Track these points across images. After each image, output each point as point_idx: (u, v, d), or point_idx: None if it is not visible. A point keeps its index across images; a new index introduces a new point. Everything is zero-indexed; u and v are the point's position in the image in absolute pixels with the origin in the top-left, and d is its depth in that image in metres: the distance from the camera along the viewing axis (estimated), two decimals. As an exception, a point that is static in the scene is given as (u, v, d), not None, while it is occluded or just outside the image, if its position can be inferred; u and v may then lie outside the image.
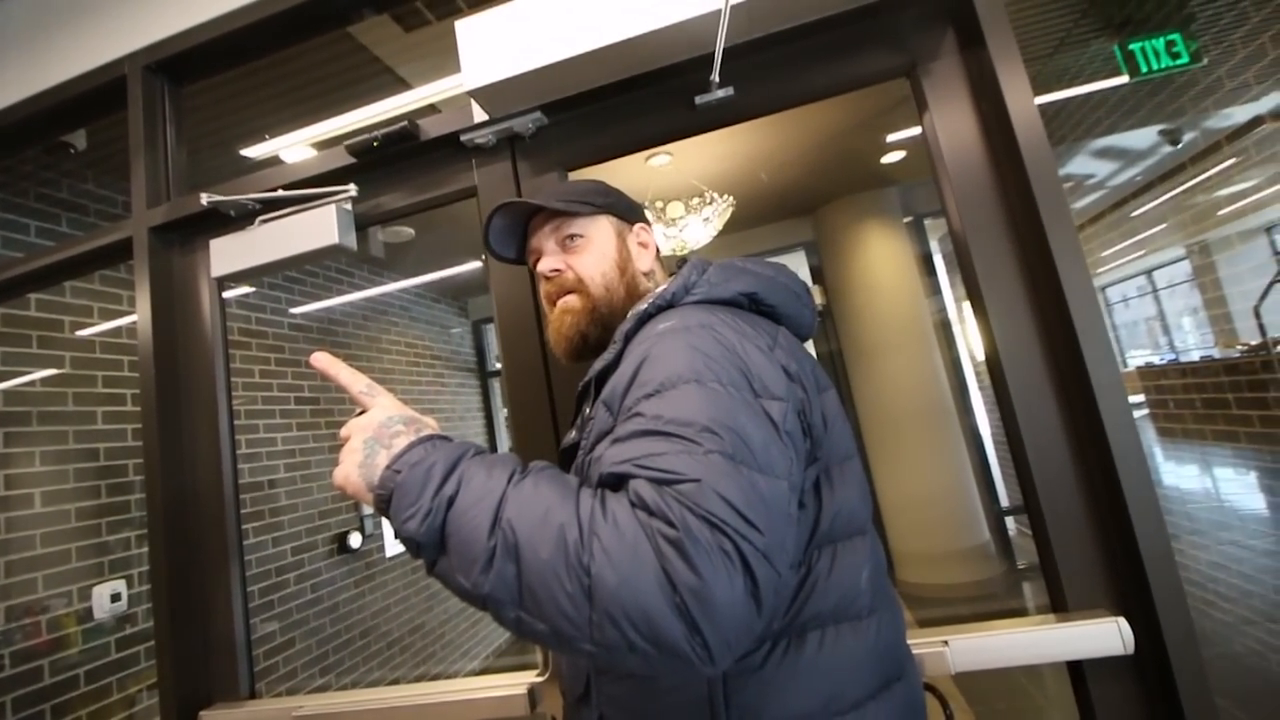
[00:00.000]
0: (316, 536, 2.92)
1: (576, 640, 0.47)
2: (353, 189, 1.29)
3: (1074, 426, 0.98)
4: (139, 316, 1.37)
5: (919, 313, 3.97)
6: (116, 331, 2.27)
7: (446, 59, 1.83)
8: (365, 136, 1.26)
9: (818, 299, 4.36)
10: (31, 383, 2.03)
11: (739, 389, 0.58)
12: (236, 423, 1.43)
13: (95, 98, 1.57)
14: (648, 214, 2.88)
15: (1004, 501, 4.03)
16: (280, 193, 1.32)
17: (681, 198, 2.86)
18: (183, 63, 1.51)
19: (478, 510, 0.51)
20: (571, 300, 0.81)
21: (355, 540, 3.07)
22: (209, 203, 1.30)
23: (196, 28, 1.46)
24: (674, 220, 2.83)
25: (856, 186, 3.91)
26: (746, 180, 3.37)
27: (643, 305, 0.72)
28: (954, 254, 1.11)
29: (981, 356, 4.68)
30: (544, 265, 0.83)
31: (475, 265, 4.11)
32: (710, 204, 2.83)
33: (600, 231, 0.84)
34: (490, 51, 1.09)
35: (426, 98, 2.01)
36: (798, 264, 4.71)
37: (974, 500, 3.83)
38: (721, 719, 0.58)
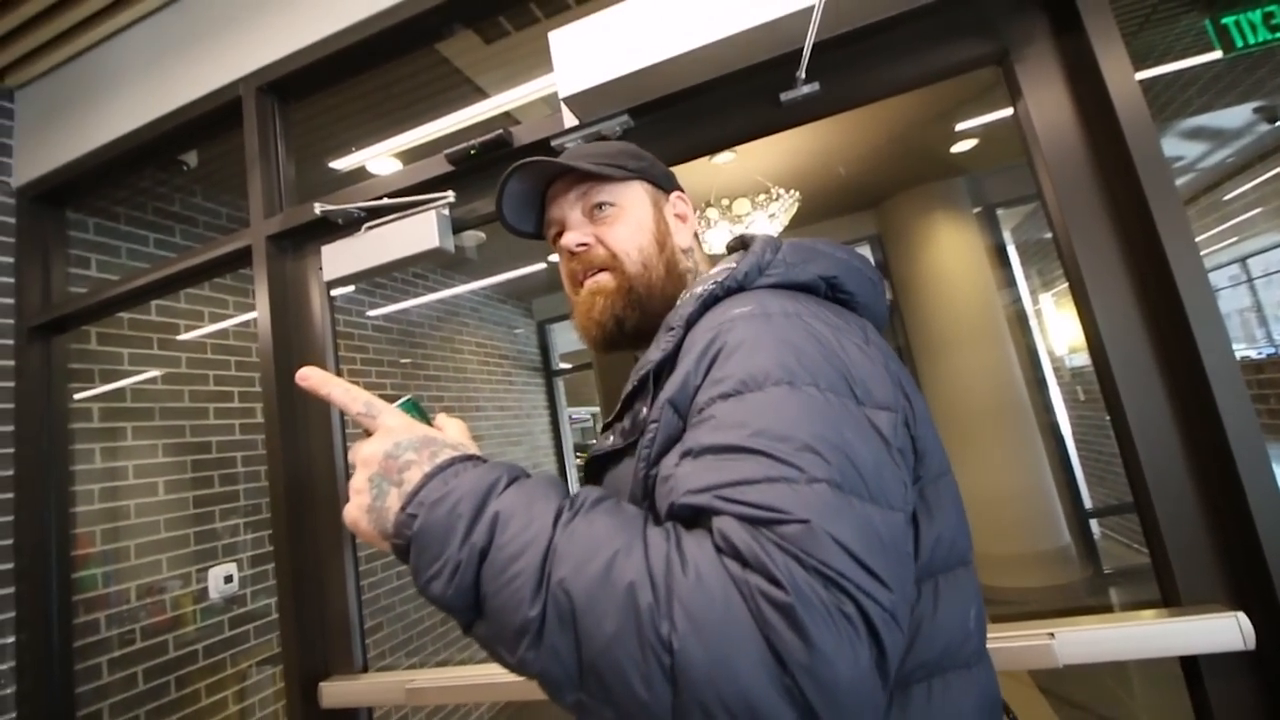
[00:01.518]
0: (400, 527, 3.07)
1: None
2: (451, 195, 1.36)
3: (1185, 414, 0.95)
4: (259, 317, 1.49)
5: (991, 306, 3.83)
6: (223, 334, 2.46)
7: (524, 67, 1.91)
8: (463, 145, 1.34)
9: (885, 293, 4.27)
10: (154, 380, 2.22)
11: (840, 395, 0.47)
12: (337, 417, 1.53)
13: (213, 118, 1.71)
14: (713, 212, 2.91)
15: (1088, 503, 3.84)
16: (384, 200, 1.41)
17: (747, 194, 2.87)
18: (291, 83, 1.63)
19: (519, 566, 0.40)
20: (603, 279, 0.69)
21: (434, 532, 3.20)
22: (321, 212, 1.41)
23: (303, 50, 1.57)
24: (740, 217, 2.84)
25: (923, 178, 3.82)
26: (810, 175, 3.35)
27: (706, 286, 0.60)
28: (1032, 247, 1.09)
29: (1061, 351, 4.49)
30: (569, 240, 0.70)
31: (539, 266, 4.23)
32: (776, 200, 2.83)
33: (635, 199, 0.72)
34: (583, 59, 1.14)
35: (506, 105, 2.10)
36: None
37: (1053, 501, 3.67)
38: None
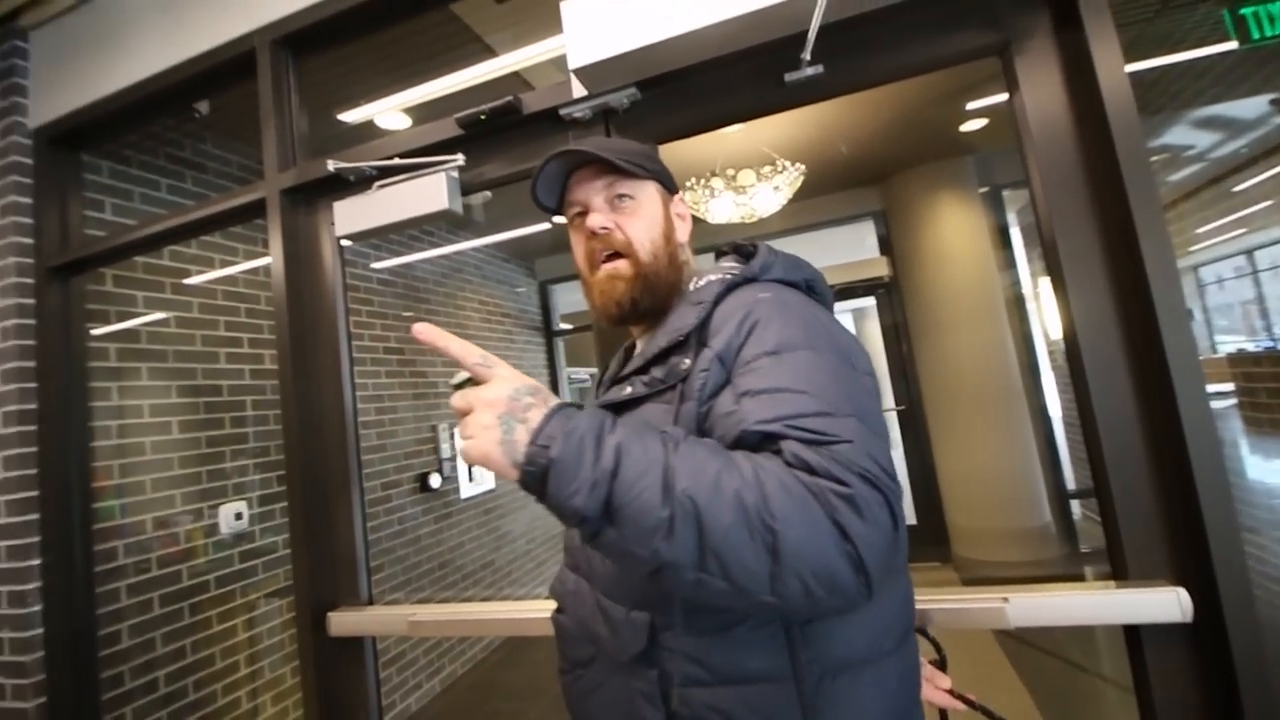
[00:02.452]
0: (402, 475, 3.19)
1: (756, 594, 0.52)
2: (460, 158, 1.40)
3: (1146, 402, 1.00)
4: (273, 267, 1.55)
5: (990, 287, 3.87)
6: (233, 281, 2.51)
7: (533, 28, 1.90)
8: (473, 110, 1.37)
9: (884, 270, 4.30)
10: (166, 323, 2.29)
11: (844, 361, 0.66)
12: (348, 367, 1.59)
13: (227, 69, 1.73)
14: (718, 182, 2.93)
15: (1071, 484, 3.95)
16: (395, 160, 1.45)
17: (753, 165, 2.87)
18: (305, 36, 1.64)
19: (647, 481, 0.53)
20: (622, 267, 0.81)
21: (435, 481, 3.33)
22: (335, 169, 1.45)
23: (319, 3, 1.58)
24: (744, 188, 2.85)
25: (931, 155, 3.80)
26: (817, 148, 3.34)
27: (725, 275, 0.77)
28: (1035, 230, 1.14)
29: (1056, 335, 4.53)
30: (595, 221, 0.81)
31: (544, 227, 4.24)
32: (781, 172, 2.84)
33: (649, 197, 0.84)
34: (593, 31, 1.17)
35: (514, 65, 2.10)
36: (865, 233, 4.64)
37: (1037, 480, 3.77)
38: (800, 657, 0.62)
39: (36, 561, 1.79)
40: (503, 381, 0.59)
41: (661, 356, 0.74)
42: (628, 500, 0.52)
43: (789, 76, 1.20)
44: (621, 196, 0.82)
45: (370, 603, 1.47)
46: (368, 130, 2.28)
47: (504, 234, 4.39)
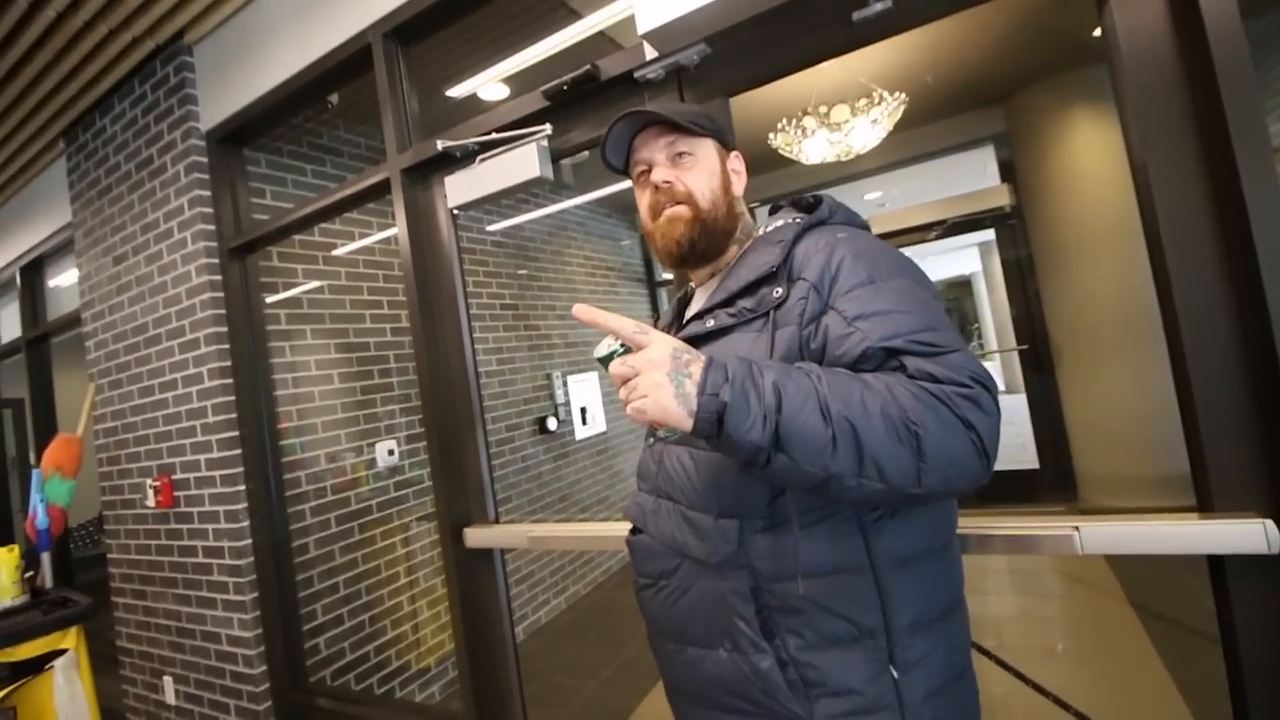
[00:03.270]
0: (522, 419, 3.53)
1: (907, 488, 0.61)
2: (548, 128, 1.53)
3: (1241, 322, 0.96)
4: (399, 238, 1.79)
5: (1131, 211, 3.44)
6: (370, 251, 2.86)
7: (617, -14, 1.95)
8: (556, 82, 1.49)
9: (1006, 199, 3.96)
10: (321, 290, 2.68)
11: (924, 287, 0.75)
12: (465, 323, 1.82)
13: (350, 64, 1.96)
14: (810, 121, 2.84)
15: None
16: (493, 135, 1.61)
17: (847, 99, 2.76)
18: (411, 26, 1.82)
19: (807, 410, 0.61)
20: (681, 210, 0.87)
21: (552, 424, 3.65)
22: (444, 148, 1.64)
23: (421, -6, 1.75)
24: (839, 125, 2.75)
25: (1060, 67, 3.41)
26: (920, 71, 3.11)
27: (796, 218, 0.86)
28: (1129, 163, 1.08)
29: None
30: (658, 175, 0.88)
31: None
32: (879, 104, 2.70)
33: (707, 153, 0.90)
34: (661, -6, 1.22)
35: (597, 25, 2.16)
36: (985, 159, 4.28)
37: (1175, 426, 3.42)
38: (874, 549, 0.73)
39: (243, 487, 2.25)
40: (660, 344, 0.64)
41: (750, 289, 0.82)
42: (794, 429, 0.61)
43: (857, 15, 1.20)
44: (682, 154, 0.89)
45: (497, 521, 1.73)
46: (472, 103, 2.46)
47: (603, 190, 4.52)
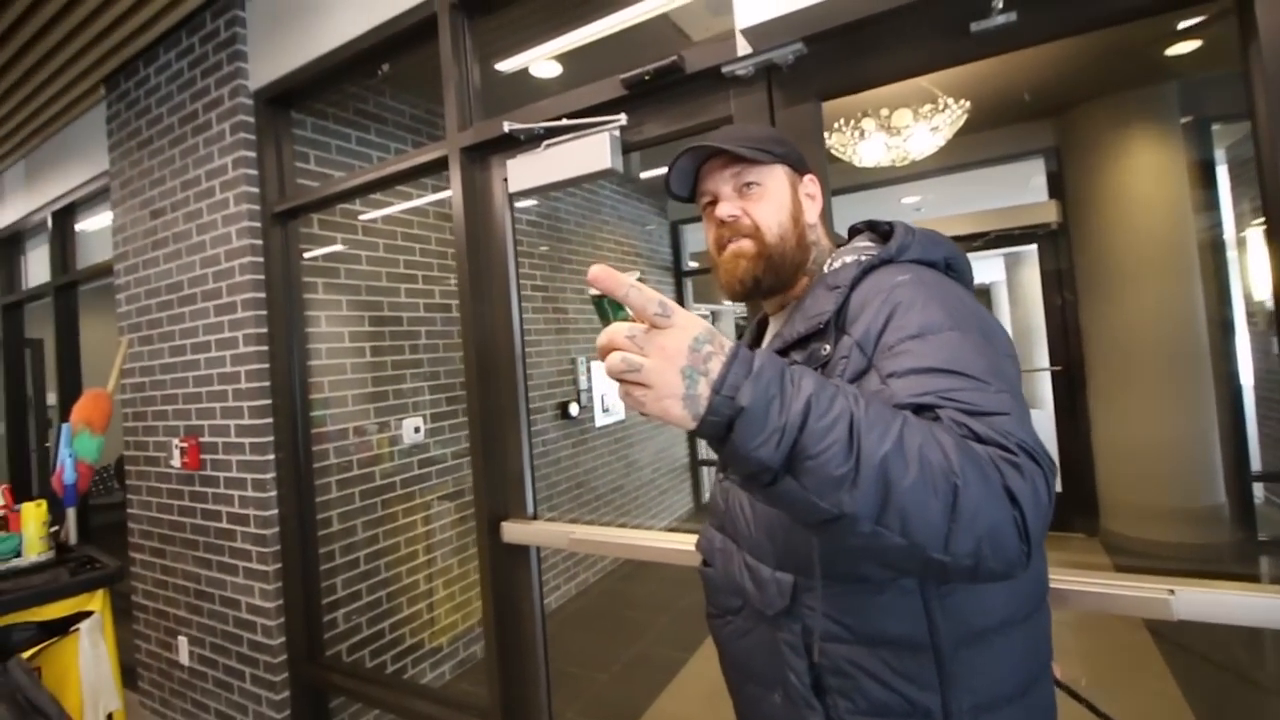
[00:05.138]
0: (545, 403, 3.50)
1: (928, 550, 0.51)
2: (623, 118, 1.47)
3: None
4: (454, 215, 1.74)
5: (1182, 233, 3.37)
6: (409, 224, 2.81)
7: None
8: (638, 71, 1.42)
9: (1053, 215, 3.87)
10: (358, 259, 2.63)
11: (988, 340, 0.66)
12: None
13: (411, 33, 1.89)
14: (869, 123, 2.76)
15: (1256, 465, 3.49)
16: (563, 121, 1.55)
17: (910, 103, 2.67)
18: (480, -2, 1.75)
19: (835, 434, 0.51)
20: (745, 245, 0.83)
21: (574, 409, 3.63)
22: (509, 130, 1.58)
23: (493, -36, 1.67)
24: (899, 129, 2.67)
25: (1124, 83, 3.29)
26: (981, 79, 3.00)
27: (860, 257, 0.78)
28: (1254, 166, 1.01)
29: (1263, 293, 3.90)
30: (723, 210, 0.84)
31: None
32: (942, 111, 2.62)
33: (776, 181, 0.85)
34: (765, -11, 1.16)
35: (663, 6, 2.07)
36: (1034, 172, 4.17)
37: (1213, 457, 3.38)
38: (938, 624, 0.66)
39: (272, 456, 2.22)
40: (681, 331, 0.52)
41: (801, 342, 0.76)
42: (815, 453, 0.50)
43: (976, 25, 1.13)
44: (749, 184, 0.84)
45: (535, 518, 1.70)
46: (520, 79, 2.38)
47: (644, 173, 4.43)
